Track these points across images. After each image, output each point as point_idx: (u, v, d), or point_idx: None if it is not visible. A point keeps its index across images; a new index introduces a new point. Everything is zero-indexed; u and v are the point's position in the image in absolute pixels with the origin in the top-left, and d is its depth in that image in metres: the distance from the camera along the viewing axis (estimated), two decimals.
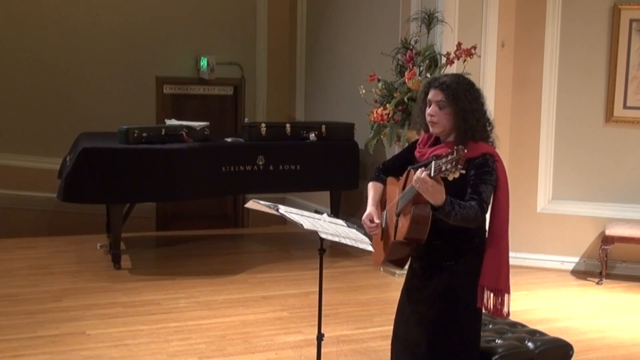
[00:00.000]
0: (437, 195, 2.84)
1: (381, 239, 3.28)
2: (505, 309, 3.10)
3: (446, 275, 3.12)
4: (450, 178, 2.75)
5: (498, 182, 3.06)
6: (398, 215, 3.11)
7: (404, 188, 3.10)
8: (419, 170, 2.84)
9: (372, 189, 3.33)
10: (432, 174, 2.79)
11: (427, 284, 3.16)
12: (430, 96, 3.09)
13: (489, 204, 3.04)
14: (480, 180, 3.01)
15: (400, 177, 3.21)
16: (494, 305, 3.10)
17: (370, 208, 3.27)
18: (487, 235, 3.12)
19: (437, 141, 3.17)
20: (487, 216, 3.11)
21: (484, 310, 3.15)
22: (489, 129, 3.13)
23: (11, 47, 8.65)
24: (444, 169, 2.72)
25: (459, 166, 2.69)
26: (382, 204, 3.34)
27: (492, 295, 3.08)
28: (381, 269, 6.60)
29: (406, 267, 3.30)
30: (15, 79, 8.70)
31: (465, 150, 2.71)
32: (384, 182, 3.34)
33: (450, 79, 3.10)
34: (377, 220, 3.23)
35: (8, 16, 8.63)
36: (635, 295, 6.20)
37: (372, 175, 3.39)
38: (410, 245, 3.09)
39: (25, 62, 8.71)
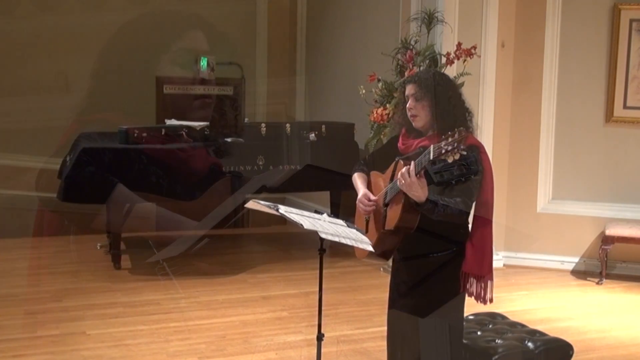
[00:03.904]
0: (418, 192, 2.90)
1: (366, 232, 3.31)
2: (488, 295, 3.17)
3: (434, 268, 3.15)
4: (450, 160, 2.81)
5: (484, 172, 3.11)
6: (387, 205, 3.14)
7: (391, 179, 3.14)
8: (405, 167, 2.92)
9: (359, 179, 3.39)
10: (419, 169, 2.85)
11: (415, 277, 3.20)
12: (407, 92, 3.21)
13: (474, 199, 3.09)
14: (466, 175, 3.04)
15: (384, 172, 3.26)
16: (477, 292, 3.16)
17: (363, 190, 3.31)
18: (471, 224, 3.16)
19: (419, 135, 3.23)
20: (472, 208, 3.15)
21: (467, 296, 3.19)
22: (468, 118, 3.20)
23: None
24: (444, 151, 2.76)
25: (461, 146, 2.75)
26: None
27: (475, 281, 3.15)
28: (381, 269, 6.60)
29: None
30: (15, 78, 8.69)
31: (465, 132, 2.77)
32: (367, 175, 3.40)
33: (423, 72, 3.27)
34: (373, 198, 3.25)
35: (7, 16, 8.62)
36: (635, 295, 6.19)
37: (355, 168, 3.45)
38: (399, 235, 3.12)
39: (24, 62, 8.70)
